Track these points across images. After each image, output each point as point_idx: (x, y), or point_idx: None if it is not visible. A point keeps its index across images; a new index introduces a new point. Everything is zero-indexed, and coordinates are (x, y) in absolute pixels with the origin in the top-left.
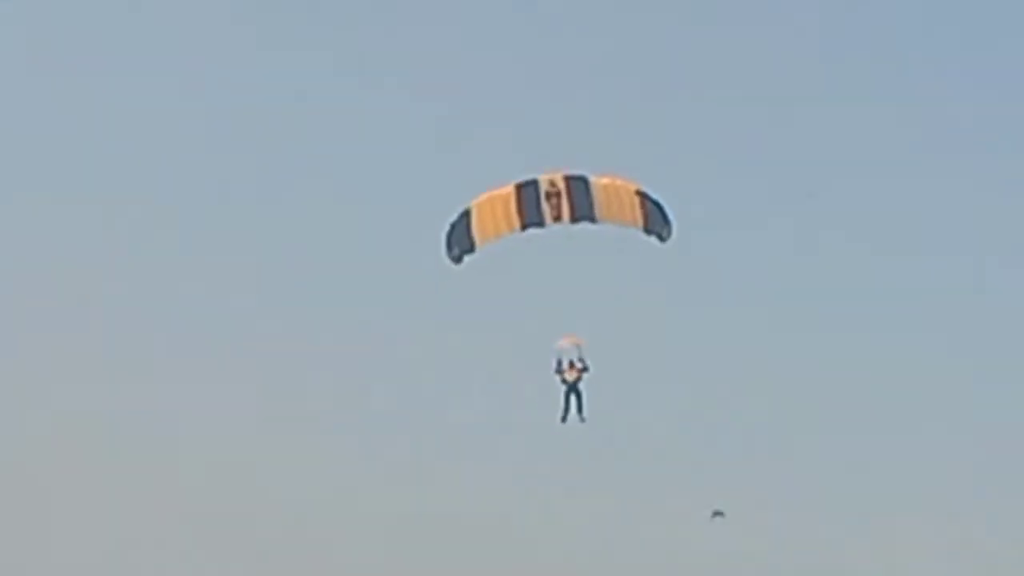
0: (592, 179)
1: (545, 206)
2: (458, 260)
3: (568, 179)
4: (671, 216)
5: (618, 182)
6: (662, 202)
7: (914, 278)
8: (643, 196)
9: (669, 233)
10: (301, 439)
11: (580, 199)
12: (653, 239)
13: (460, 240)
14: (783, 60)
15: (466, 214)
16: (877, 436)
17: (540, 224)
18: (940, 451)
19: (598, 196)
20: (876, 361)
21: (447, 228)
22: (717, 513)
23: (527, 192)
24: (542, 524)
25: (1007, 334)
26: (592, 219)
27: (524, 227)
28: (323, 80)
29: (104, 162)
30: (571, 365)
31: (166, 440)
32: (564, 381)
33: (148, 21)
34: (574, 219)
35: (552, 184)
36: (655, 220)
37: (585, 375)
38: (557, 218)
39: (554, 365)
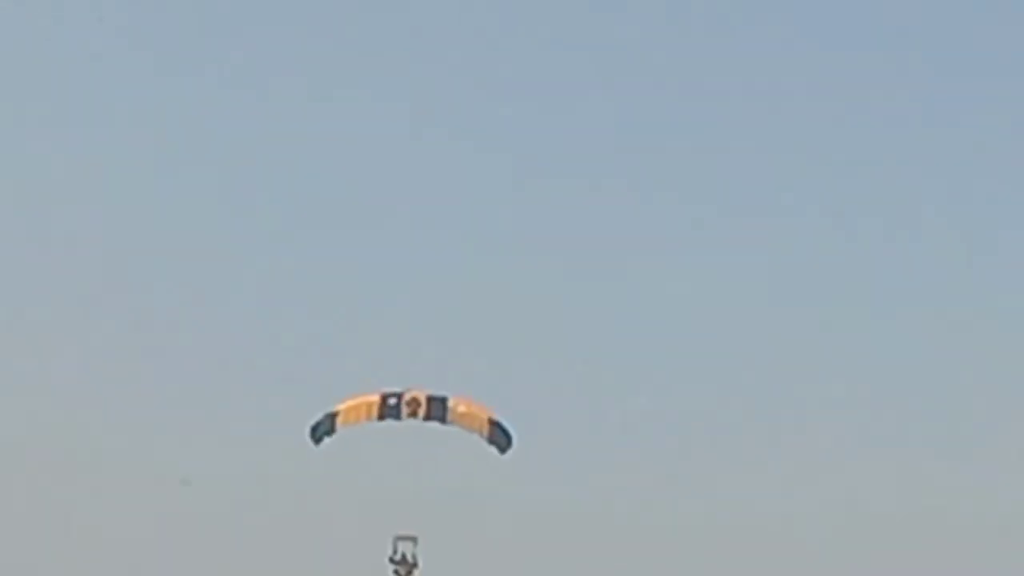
0: (451, 401)
1: (404, 407)
2: (318, 442)
3: (430, 398)
4: (514, 439)
5: (474, 407)
6: (510, 430)
7: None
8: (493, 423)
9: (508, 449)
10: None
11: (436, 407)
12: (493, 449)
13: (323, 428)
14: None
15: (332, 415)
16: None
17: (397, 417)
18: None
19: (452, 408)
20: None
21: (313, 423)
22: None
23: (391, 398)
24: None
25: None
26: (443, 420)
27: (382, 418)
28: None
29: None
30: (403, 559)
31: None
32: (396, 572)
33: None
34: (428, 418)
35: (414, 397)
36: (499, 437)
37: (415, 571)
38: (412, 415)
39: (390, 553)
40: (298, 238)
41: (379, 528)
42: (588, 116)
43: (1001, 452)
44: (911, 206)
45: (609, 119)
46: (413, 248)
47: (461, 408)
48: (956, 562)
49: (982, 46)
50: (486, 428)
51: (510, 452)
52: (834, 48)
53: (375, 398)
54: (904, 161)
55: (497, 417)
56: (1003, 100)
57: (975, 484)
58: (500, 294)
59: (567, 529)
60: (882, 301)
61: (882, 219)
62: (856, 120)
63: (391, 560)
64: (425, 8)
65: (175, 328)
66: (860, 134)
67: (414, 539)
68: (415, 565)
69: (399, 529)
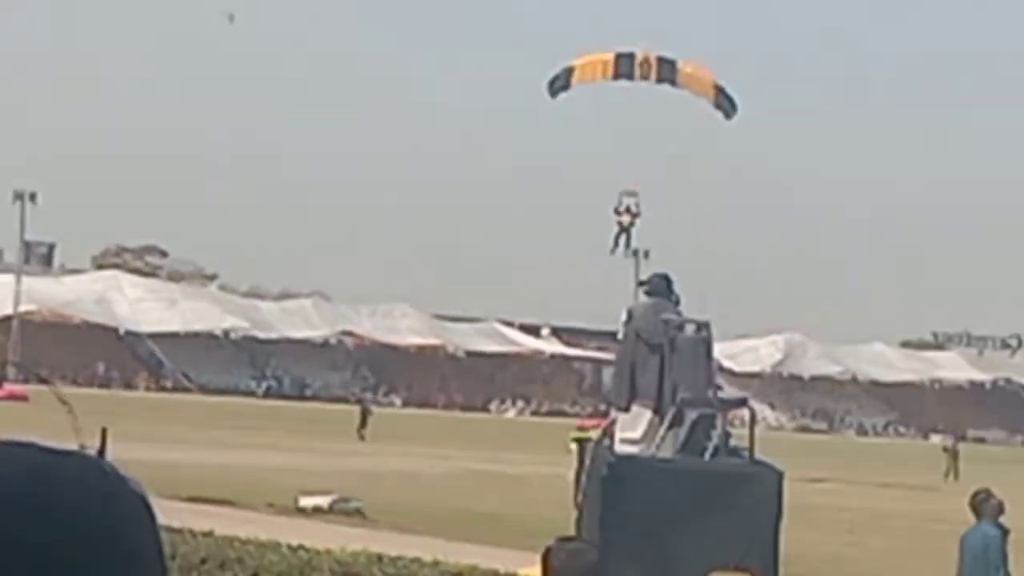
0: (679, 63)
1: (636, 68)
2: (555, 95)
3: (660, 59)
4: (738, 104)
5: (700, 70)
6: (734, 96)
7: None
8: (718, 87)
9: (733, 114)
10: None
11: (667, 69)
12: (720, 115)
13: (560, 82)
14: None
15: (568, 70)
16: None
17: (630, 77)
18: None
19: (682, 70)
20: None
21: (551, 76)
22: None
23: (624, 58)
24: None
25: None
26: (673, 83)
27: (616, 77)
28: None
29: None
30: (627, 210)
31: None
32: (619, 223)
33: None
34: (659, 80)
35: (646, 58)
36: (724, 102)
37: (637, 220)
38: (645, 77)
39: (615, 204)
40: None
41: (607, 182)
42: None
43: None
44: None
45: None
46: None
47: (688, 70)
48: None
49: None
50: (712, 93)
51: (735, 117)
52: None
53: (609, 56)
54: None
55: (721, 82)
56: None
57: None
58: None
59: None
60: None
61: None
62: None
63: (616, 211)
64: None
65: None
66: None
67: (636, 193)
68: (637, 215)
69: (625, 183)
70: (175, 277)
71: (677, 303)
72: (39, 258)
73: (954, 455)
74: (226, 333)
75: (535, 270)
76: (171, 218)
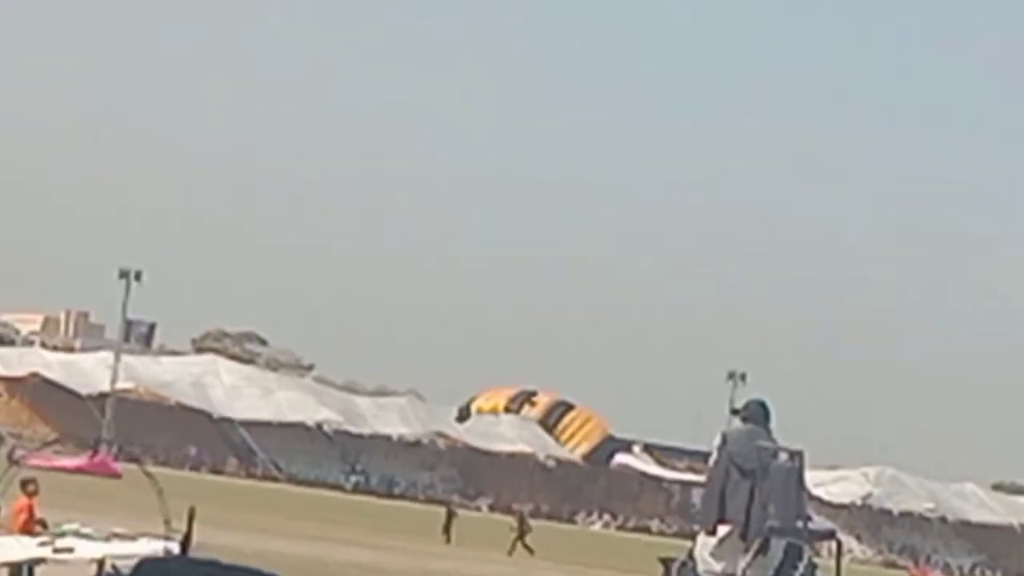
0: (573, 411)
1: (527, 406)
2: (460, 422)
3: (554, 403)
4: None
5: (594, 419)
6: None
7: None
8: (606, 438)
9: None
10: None
11: (557, 412)
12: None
13: (463, 415)
14: None
15: (469, 410)
16: None
17: (517, 412)
18: None
19: (572, 416)
20: None
21: (456, 408)
22: None
23: (518, 397)
24: None
25: None
26: (554, 429)
27: (507, 411)
28: None
29: None
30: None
31: None
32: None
33: None
34: (542, 421)
35: (539, 400)
36: (600, 452)
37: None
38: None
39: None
40: None
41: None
42: None
43: None
44: None
45: None
46: None
47: (577, 422)
48: None
49: None
50: (593, 441)
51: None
52: None
53: (504, 399)
54: None
55: (610, 431)
56: None
57: None
58: None
59: None
60: None
61: None
62: None
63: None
64: None
65: None
66: None
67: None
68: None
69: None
70: (272, 366)
71: (770, 432)
72: (139, 337)
73: None
74: (319, 425)
75: (628, 388)
76: (272, 306)
